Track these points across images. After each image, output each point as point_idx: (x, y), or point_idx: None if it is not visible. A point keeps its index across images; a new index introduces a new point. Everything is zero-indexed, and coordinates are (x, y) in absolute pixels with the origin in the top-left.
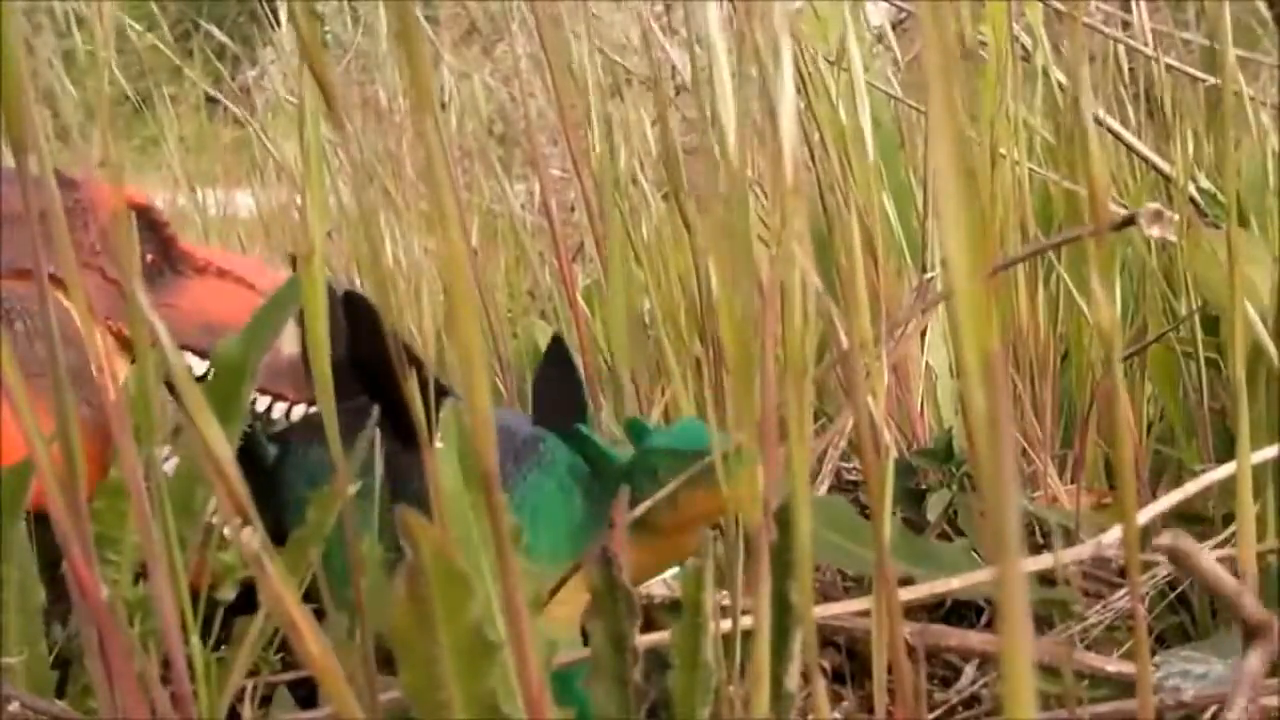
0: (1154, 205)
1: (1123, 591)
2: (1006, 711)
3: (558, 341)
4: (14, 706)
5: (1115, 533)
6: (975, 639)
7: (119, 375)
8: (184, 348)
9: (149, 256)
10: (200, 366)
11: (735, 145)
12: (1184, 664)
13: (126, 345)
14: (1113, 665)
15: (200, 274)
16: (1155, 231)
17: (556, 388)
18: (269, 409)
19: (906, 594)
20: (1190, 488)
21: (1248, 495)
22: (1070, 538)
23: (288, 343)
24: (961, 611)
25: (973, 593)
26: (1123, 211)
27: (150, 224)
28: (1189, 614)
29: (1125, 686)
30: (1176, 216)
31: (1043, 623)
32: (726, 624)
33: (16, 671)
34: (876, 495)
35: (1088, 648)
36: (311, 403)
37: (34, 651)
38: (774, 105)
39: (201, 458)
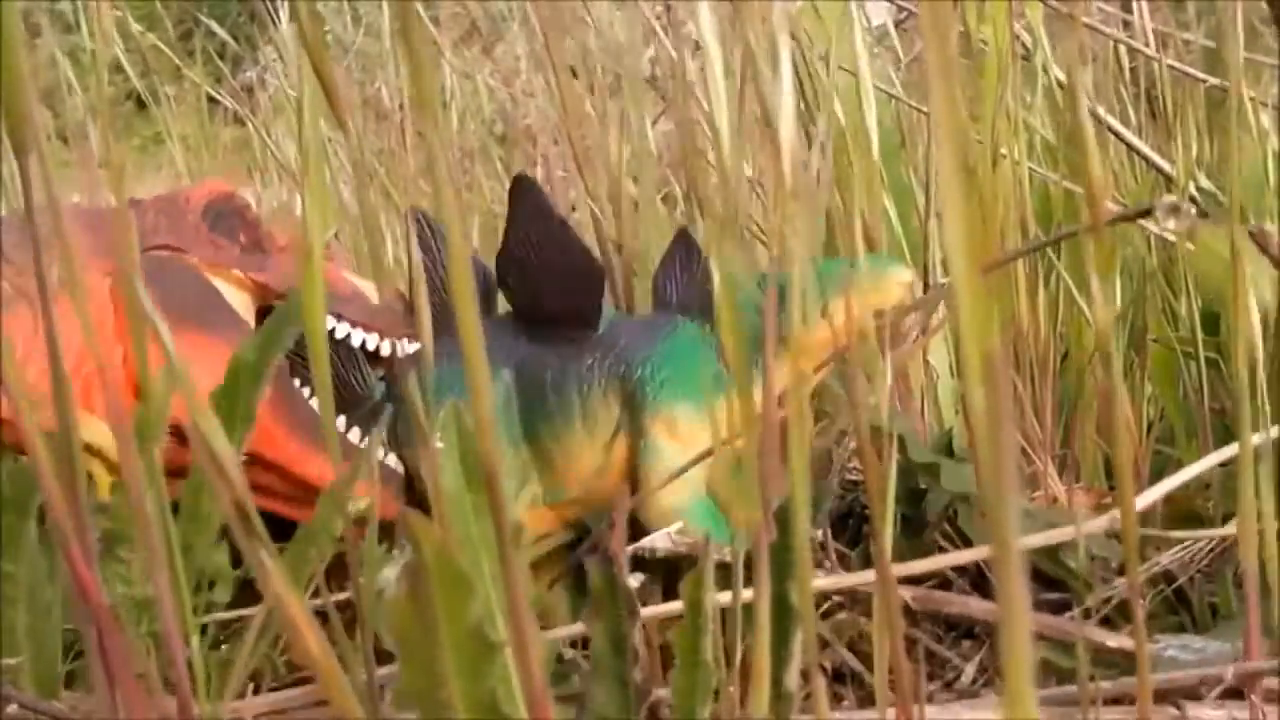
0: (1170, 198)
1: (1121, 580)
2: (1007, 682)
3: (684, 233)
4: (12, 708)
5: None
6: (976, 606)
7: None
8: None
9: (243, 237)
10: None
11: (730, 146)
12: (1182, 640)
13: (258, 290)
14: (1113, 640)
15: (283, 252)
16: (1171, 225)
17: (681, 274)
18: (377, 346)
19: (902, 569)
20: (1186, 473)
21: (1249, 481)
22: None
23: (370, 289)
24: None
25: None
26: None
27: (236, 209)
28: (1189, 614)
29: (1125, 669)
30: (1194, 210)
31: (1045, 606)
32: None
33: (22, 671)
34: (876, 495)
35: None
36: (413, 337)
37: (42, 651)
38: (772, 105)
39: (204, 458)
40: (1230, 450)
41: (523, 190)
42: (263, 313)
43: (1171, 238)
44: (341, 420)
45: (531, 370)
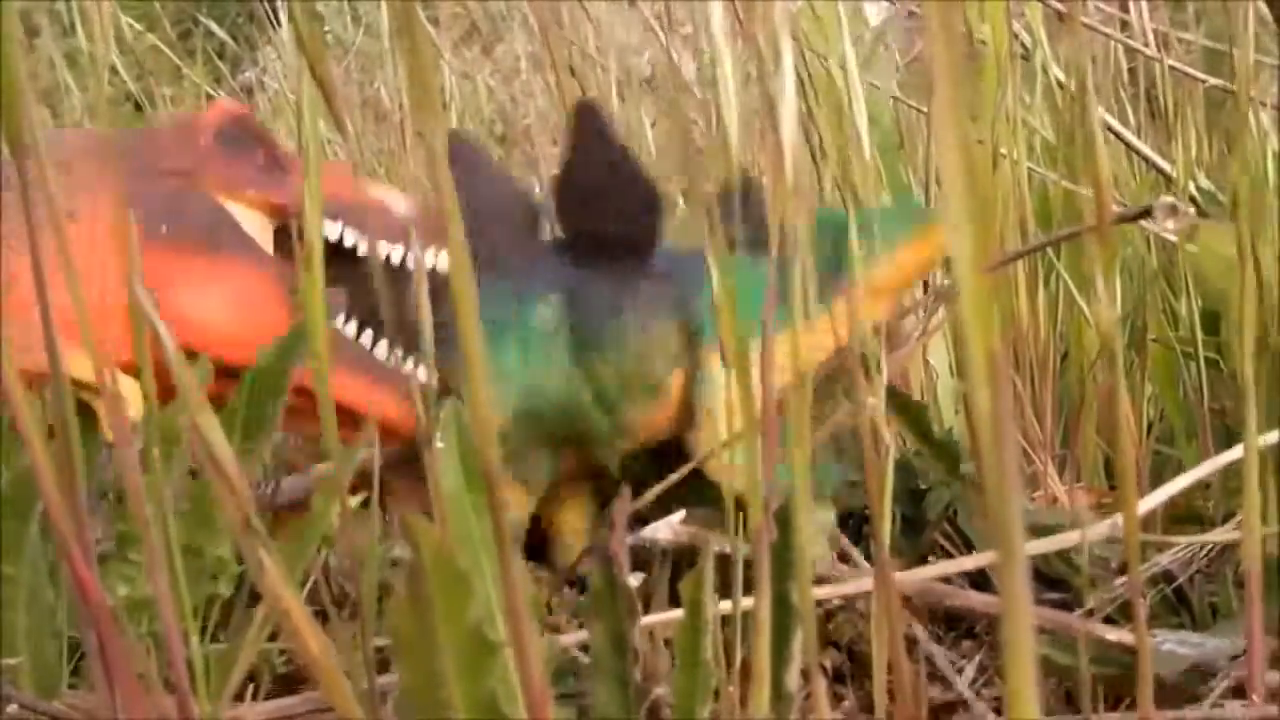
0: (1168, 199)
1: (1122, 580)
2: (1009, 681)
3: (746, 174)
4: (13, 708)
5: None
6: (977, 599)
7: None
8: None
9: (260, 157)
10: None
11: (736, 143)
12: (1180, 635)
13: (274, 211)
14: (1112, 634)
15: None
16: (1170, 225)
17: (738, 212)
18: (402, 259)
19: (905, 576)
20: (1188, 477)
21: (1254, 479)
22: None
23: (397, 204)
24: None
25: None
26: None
27: (252, 130)
28: (1189, 613)
29: (1124, 665)
30: (1192, 210)
31: (1045, 605)
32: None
33: (22, 671)
34: (876, 495)
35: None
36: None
37: (42, 651)
38: (774, 104)
39: (203, 458)
40: (1232, 454)
41: (585, 115)
42: (281, 232)
43: (1171, 238)
44: (384, 345)
45: (584, 296)
